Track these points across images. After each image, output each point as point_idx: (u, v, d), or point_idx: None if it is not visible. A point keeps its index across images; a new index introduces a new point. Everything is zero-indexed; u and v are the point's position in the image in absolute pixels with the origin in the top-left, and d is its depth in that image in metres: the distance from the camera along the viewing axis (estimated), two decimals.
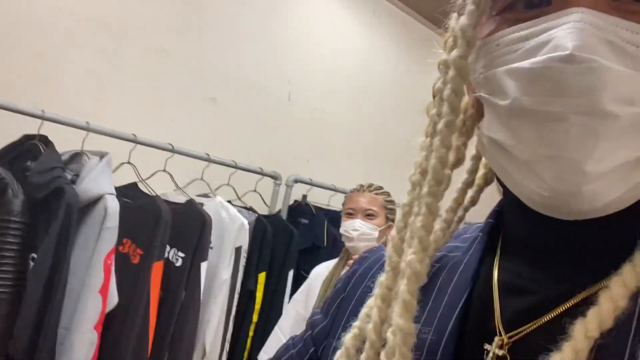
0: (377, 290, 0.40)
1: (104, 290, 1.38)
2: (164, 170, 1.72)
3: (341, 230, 1.59)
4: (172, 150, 1.68)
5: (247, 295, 1.78)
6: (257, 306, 1.80)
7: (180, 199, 1.80)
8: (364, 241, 1.52)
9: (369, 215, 1.55)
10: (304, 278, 2.02)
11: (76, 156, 1.54)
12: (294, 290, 1.92)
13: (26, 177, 1.40)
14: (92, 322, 1.36)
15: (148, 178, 1.70)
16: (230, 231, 1.73)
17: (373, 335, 0.38)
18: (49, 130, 1.47)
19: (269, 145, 2.30)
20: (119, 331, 1.46)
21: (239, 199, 1.94)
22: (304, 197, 2.21)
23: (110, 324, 1.45)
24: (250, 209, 1.92)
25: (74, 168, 1.52)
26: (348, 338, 0.41)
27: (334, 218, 2.16)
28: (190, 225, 1.62)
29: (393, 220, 1.59)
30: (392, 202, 1.63)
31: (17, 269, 1.24)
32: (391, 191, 2.50)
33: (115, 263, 1.43)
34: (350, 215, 1.58)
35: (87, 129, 1.50)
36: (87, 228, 1.40)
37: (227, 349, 1.74)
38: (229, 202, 1.85)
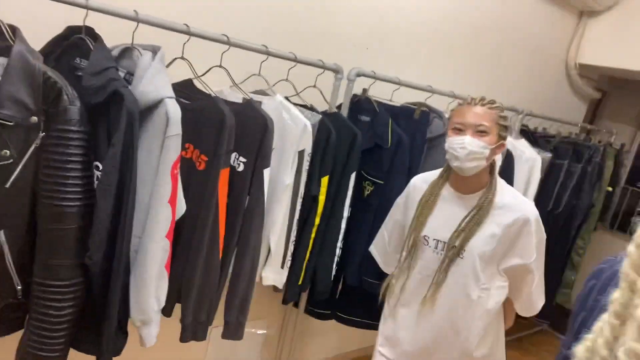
0: (611, 307, 0.40)
1: (172, 200, 1.32)
2: (220, 66, 1.55)
3: (446, 147, 1.41)
4: (228, 43, 1.49)
5: (310, 199, 1.72)
6: (320, 210, 1.75)
7: (237, 96, 1.65)
8: (473, 161, 1.36)
9: (480, 132, 1.36)
10: (365, 179, 1.94)
11: (127, 51, 1.37)
12: (356, 192, 1.85)
13: (76, 77, 1.26)
14: (163, 231, 1.33)
15: (204, 74, 1.54)
16: (293, 134, 1.61)
17: (604, 351, 0.39)
18: (94, 22, 1.29)
19: (328, 36, 2.06)
20: (189, 238, 1.44)
21: (298, 94, 1.78)
22: (364, 90, 2.02)
23: (180, 232, 1.43)
24: (311, 107, 1.77)
25: (126, 65, 1.36)
26: (580, 350, 0.42)
27: (397, 115, 1.99)
28: (251, 129, 1.50)
29: (505, 138, 1.43)
30: (505, 118, 1.43)
31: (84, 181, 1.17)
32: (459, 86, 2.31)
33: (180, 169, 1.35)
34: (459, 130, 1.39)
35: (136, 19, 1.31)
36: (149, 136, 1.29)
37: (292, 250, 1.74)
38: (287, 98, 1.70)
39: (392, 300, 1.61)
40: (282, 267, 1.74)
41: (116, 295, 1.26)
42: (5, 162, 1.09)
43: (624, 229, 3.96)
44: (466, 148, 1.34)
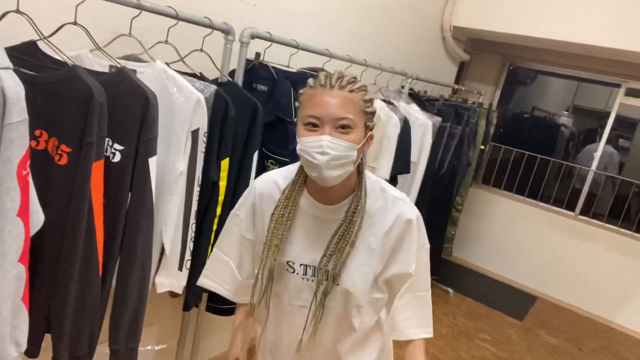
0: None
1: (23, 211, 0.96)
2: (74, 23, 1.17)
3: (298, 150, 1.01)
4: None
5: (209, 186, 1.45)
6: (221, 197, 1.49)
7: (102, 64, 1.29)
8: (338, 168, 0.99)
9: (343, 127, 0.98)
10: (268, 158, 1.72)
11: None
12: (258, 174, 1.62)
13: None
14: (14, 255, 0.96)
15: (53, 34, 1.15)
16: (184, 111, 1.31)
17: None
18: None
19: None
20: (55, 256, 1.09)
21: (182, 60, 1.45)
22: (258, 55, 1.76)
23: (41, 250, 1.07)
24: (201, 76, 1.46)
25: None
26: None
27: (296, 82, 1.78)
28: (127, 107, 1.17)
29: (372, 128, 1.06)
30: (371, 101, 1.04)
31: None
32: (351, 50, 2.13)
33: (31, 167, 0.99)
34: (313, 126, 0.98)
35: None
36: None
37: (191, 247, 1.46)
38: (168, 65, 1.37)
39: (261, 340, 1.29)
40: (181, 269, 1.46)
41: None
42: None
43: (488, 182, 4.35)
44: (327, 153, 0.96)
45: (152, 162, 1.21)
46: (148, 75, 1.30)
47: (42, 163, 1.09)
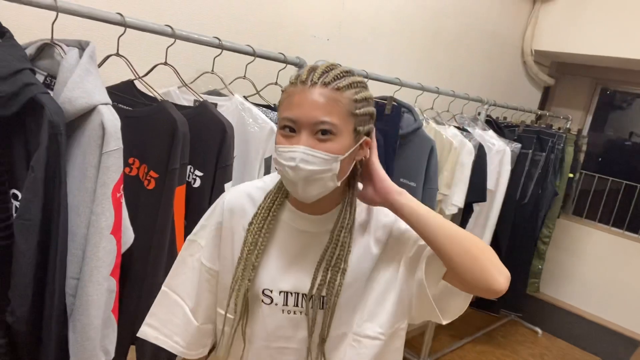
0: None
1: (116, 229, 1.08)
2: (165, 63, 1.31)
3: (274, 160, 0.85)
4: (173, 35, 1.25)
5: None
6: None
7: (188, 99, 1.42)
8: (316, 184, 0.81)
9: (323, 132, 0.79)
10: None
11: (46, 48, 1.10)
12: None
13: None
14: (107, 269, 1.08)
15: (146, 74, 1.30)
16: (257, 139, 1.39)
17: None
18: (1, 14, 1.02)
19: (286, 27, 1.85)
20: (142, 272, 1.20)
21: (258, 93, 1.56)
22: None
23: (129, 266, 1.19)
24: (275, 107, 1.56)
25: (45, 66, 1.10)
26: None
27: None
28: (207, 136, 1.27)
29: (369, 133, 0.87)
30: (367, 101, 0.84)
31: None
32: (422, 77, 2.13)
33: (124, 190, 1.11)
34: (290, 131, 0.80)
35: (55, 8, 1.05)
36: (80, 154, 1.03)
37: None
38: (246, 98, 1.48)
39: None
40: None
41: (50, 355, 1.01)
42: None
43: (581, 213, 4.03)
44: (300, 168, 0.78)
45: (228, 187, 1.30)
46: (227, 107, 1.41)
47: (133, 187, 1.21)
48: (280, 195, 0.91)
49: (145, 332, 0.97)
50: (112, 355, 1.16)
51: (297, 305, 0.90)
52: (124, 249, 1.13)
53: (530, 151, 2.84)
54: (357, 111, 0.81)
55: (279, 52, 1.54)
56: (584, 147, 3.50)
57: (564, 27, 3.25)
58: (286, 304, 0.90)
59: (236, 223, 0.93)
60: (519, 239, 2.97)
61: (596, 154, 4.45)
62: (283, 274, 0.90)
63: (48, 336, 1.01)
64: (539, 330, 3.50)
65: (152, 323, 0.98)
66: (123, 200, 1.10)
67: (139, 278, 1.23)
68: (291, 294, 0.90)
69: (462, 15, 2.74)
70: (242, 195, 0.95)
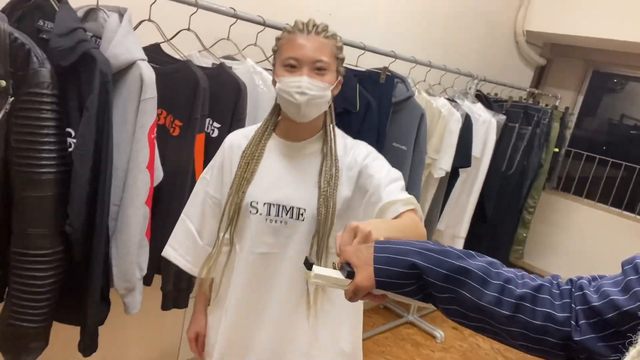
0: None
1: (150, 165, 1.30)
2: (189, 29, 1.52)
3: (277, 89, 1.09)
4: (196, 5, 1.46)
5: None
6: None
7: (207, 62, 1.63)
8: (315, 107, 1.07)
9: (319, 69, 1.06)
10: None
11: (91, 13, 1.32)
12: None
13: (41, 40, 1.21)
14: (143, 197, 1.31)
15: (172, 37, 1.51)
16: (266, 100, 1.61)
17: None
18: None
19: (293, 1, 2.05)
20: (167, 207, 1.43)
21: (267, 59, 1.77)
22: None
23: (158, 200, 1.41)
24: None
25: (91, 28, 1.31)
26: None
27: (363, 79, 2.03)
28: (224, 93, 1.49)
29: (343, 74, 1.15)
30: (342, 49, 1.14)
31: (58, 147, 1.13)
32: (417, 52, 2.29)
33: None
34: (291, 67, 1.07)
35: None
36: (122, 100, 1.26)
37: None
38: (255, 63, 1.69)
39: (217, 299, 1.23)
40: None
41: (99, 264, 1.24)
42: None
43: (568, 189, 4.26)
44: (305, 93, 1.04)
45: None
46: (240, 70, 1.62)
47: (161, 134, 1.43)
48: (268, 128, 1.16)
49: (167, 252, 1.24)
50: (145, 272, 1.40)
51: (278, 215, 1.11)
52: (155, 184, 1.36)
53: (517, 125, 3.05)
54: (339, 55, 1.12)
55: (286, 23, 1.74)
56: (571, 125, 3.70)
57: (556, 8, 3.42)
58: (269, 214, 1.12)
59: (235, 156, 1.16)
60: (504, 208, 3.19)
61: (587, 135, 4.65)
62: (268, 190, 1.12)
63: (97, 249, 1.24)
64: None
65: (172, 244, 1.24)
66: (155, 143, 1.32)
67: (165, 213, 1.46)
68: (273, 205, 1.11)
69: None
70: (239, 135, 1.21)
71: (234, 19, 1.58)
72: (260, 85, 1.62)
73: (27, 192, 1.11)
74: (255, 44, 1.73)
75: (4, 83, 1.05)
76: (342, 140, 1.19)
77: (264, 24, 1.65)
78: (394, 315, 3.16)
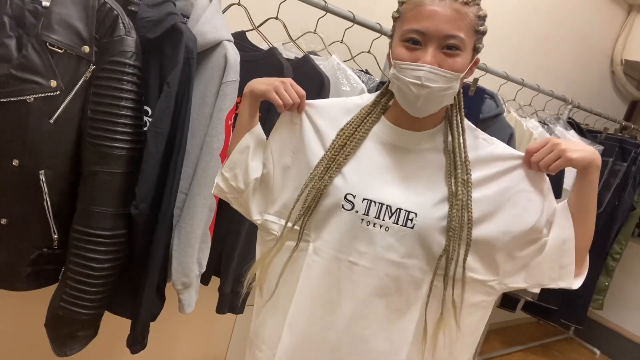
0: None
1: (224, 153, 1.21)
2: (277, 18, 1.44)
3: (392, 74, 0.82)
4: None
5: None
6: None
7: (290, 55, 1.54)
8: (437, 101, 0.80)
9: (450, 47, 0.78)
10: None
11: None
12: None
13: (130, 12, 1.15)
14: (211, 188, 1.21)
15: (260, 25, 1.43)
16: (348, 96, 1.48)
17: None
18: None
19: (386, 1, 1.94)
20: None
21: (353, 59, 1.66)
22: None
23: None
24: (366, 72, 1.65)
25: (180, 6, 1.25)
26: None
27: None
28: (307, 84, 1.37)
29: (480, 50, 0.86)
30: (485, 18, 0.84)
31: (135, 122, 1.06)
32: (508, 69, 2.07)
33: None
34: (414, 44, 0.78)
35: None
36: (203, 81, 1.18)
37: None
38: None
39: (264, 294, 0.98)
40: None
41: (159, 254, 1.15)
42: (52, 94, 0.99)
43: None
44: (426, 86, 0.77)
45: None
46: (324, 66, 1.51)
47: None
48: (377, 109, 0.90)
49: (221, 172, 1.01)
50: (204, 269, 1.30)
51: (378, 217, 0.84)
52: None
53: (611, 159, 2.75)
54: (480, 28, 0.82)
55: (376, 22, 1.63)
56: None
57: None
58: (367, 214, 0.84)
59: (324, 123, 0.91)
60: (589, 250, 2.87)
61: None
62: (368, 183, 0.85)
63: (159, 236, 1.15)
64: (597, 351, 3.35)
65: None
66: (231, 130, 1.23)
67: (230, 208, 1.36)
68: (374, 203, 0.84)
69: (552, 13, 2.71)
70: (340, 102, 0.95)
71: (323, 12, 1.48)
72: (343, 83, 1.50)
73: (97, 167, 1.04)
74: (341, 41, 1.62)
75: (87, 49, 0.99)
76: (471, 134, 0.90)
77: (353, 20, 1.54)
78: None
